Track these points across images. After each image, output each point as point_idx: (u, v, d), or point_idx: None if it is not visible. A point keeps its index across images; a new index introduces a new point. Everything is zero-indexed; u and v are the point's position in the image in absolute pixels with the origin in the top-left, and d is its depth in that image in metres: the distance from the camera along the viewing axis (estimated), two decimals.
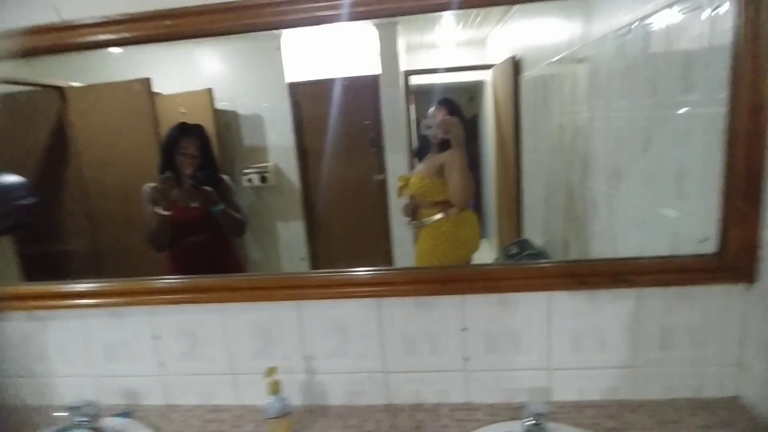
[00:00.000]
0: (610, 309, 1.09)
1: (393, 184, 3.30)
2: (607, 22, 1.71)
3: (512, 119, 2.91)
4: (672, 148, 1.33)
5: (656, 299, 1.08)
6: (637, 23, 1.50)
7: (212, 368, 1.23)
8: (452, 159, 1.47)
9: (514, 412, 1.12)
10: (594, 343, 1.12)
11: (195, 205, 1.88)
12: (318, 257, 3.50)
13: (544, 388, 1.15)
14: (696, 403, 1.10)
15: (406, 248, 3.37)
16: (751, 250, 1.02)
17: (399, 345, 1.16)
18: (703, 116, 1.18)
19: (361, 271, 1.14)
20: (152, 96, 2.56)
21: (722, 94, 1.02)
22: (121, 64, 2.72)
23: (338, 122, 3.33)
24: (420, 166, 1.67)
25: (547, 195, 2.45)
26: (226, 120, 3.18)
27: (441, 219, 1.65)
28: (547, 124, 2.39)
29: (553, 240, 2.33)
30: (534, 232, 2.65)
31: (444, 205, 1.56)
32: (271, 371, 0.98)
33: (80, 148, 2.50)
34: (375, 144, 3.34)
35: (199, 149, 2.01)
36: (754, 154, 0.98)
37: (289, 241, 3.44)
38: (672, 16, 1.25)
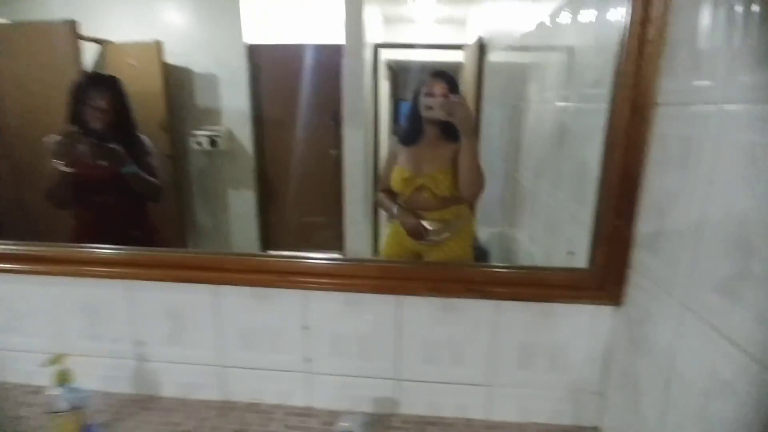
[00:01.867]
0: (467, 320, 0.98)
1: (349, 161, 3.16)
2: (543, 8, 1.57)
3: (474, 104, 2.75)
4: (580, 146, 1.20)
5: (516, 313, 0.96)
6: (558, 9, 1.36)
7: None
8: (464, 146, 1.21)
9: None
10: (448, 356, 1.00)
11: (103, 163, 1.73)
12: (270, 230, 3.38)
13: (392, 399, 1.04)
14: (552, 430, 0.99)
15: (360, 227, 3.25)
16: (620, 269, 0.90)
17: (236, 338, 1.05)
18: (604, 113, 1.04)
19: (197, 253, 1.02)
20: (77, 41, 2.38)
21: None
22: (68, 2, 2.53)
23: (297, 91, 3.15)
24: (407, 154, 1.34)
25: (497, 186, 2.32)
26: (179, 77, 2.99)
27: (463, 222, 1.38)
28: (501, 112, 2.24)
29: (498, 235, 2.21)
30: (486, 225, 2.51)
31: (452, 200, 1.30)
32: (58, 359, 0.87)
33: (2, 93, 2.35)
34: (334, 117, 3.18)
35: (110, 104, 1.84)
36: (631, 161, 0.85)
37: (240, 210, 3.30)
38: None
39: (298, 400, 1.07)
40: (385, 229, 1.53)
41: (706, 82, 0.68)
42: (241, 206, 3.23)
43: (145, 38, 2.79)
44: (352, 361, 1.03)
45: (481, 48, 2.75)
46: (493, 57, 2.50)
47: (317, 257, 0.98)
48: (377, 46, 3.34)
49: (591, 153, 1.11)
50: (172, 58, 2.88)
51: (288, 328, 1.02)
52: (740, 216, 0.60)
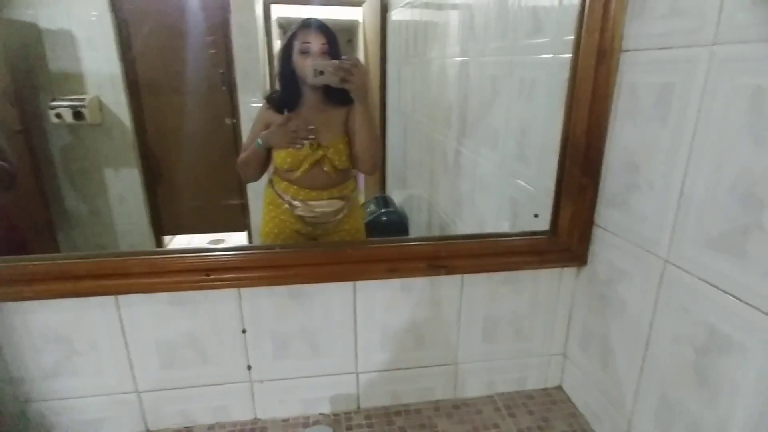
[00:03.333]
0: (428, 299, 0.88)
1: (247, 129, 2.84)
2: None
3: (378, 64, 2.59)
4: (517, 102, 1.13)
5: (479, 286, 0.89)
6: None
7: None
8: (360, 112, 1.03)
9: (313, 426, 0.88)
10: (409, 340, 0.90)
11: None
12: (161, 213, 2.96)
13: (351, 395, 0.92)
14: (519, 398, 0.96)
15: (261, 200, 2.98)
16: (585, 228, 0.85)
17: (153, 355, 0.84)
18: (548, 64, 0.97)
19: (85, 257, 0.77)
20: None
21: (570, 37, 0.81)
22: None
23: (179, 51, 2.70)
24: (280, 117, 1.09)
25: (410, 149, 2.23)
26: (22, 34, 2.40)
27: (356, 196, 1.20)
28: (413, 71, 2.13)
29: (415, 198, 2.14)
30: (397, 189, 2.44)
31: (348, 173, 1.13)
32: None
33: None
34: (225, 82, 2.80)
35: None
36: (597, 113, 0.79)
37: (123, 192, 2.83)
38: None
39: (240, 415, 0.90)
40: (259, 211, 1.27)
41: (690, 23, 0.62)
42: (124, 188, 2.77)
43: None
44: (301, 361, 0.88)
45: (383, 4, 2.58)
46: (398, 15, 2.36)
47: (249, 247, 0.80)
48: (268, 2, 2.99)
49: (531, 108, 1.05)
50: (7, 11, 2.29)
51: (219, 334, 0.84)
52: (742, 168, 0.55)
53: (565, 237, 0.86)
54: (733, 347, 0.58)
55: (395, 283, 0.85)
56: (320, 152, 1.08)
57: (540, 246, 0.87)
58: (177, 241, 3.24)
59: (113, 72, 2.56)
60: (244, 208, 3.00)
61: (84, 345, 0.80)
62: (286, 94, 1.09)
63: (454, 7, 1.63)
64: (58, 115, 2.48)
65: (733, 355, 0.58)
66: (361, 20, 2.78)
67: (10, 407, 0.82)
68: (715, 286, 0.60)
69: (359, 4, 2.77)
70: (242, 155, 1.14)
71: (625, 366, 0.79)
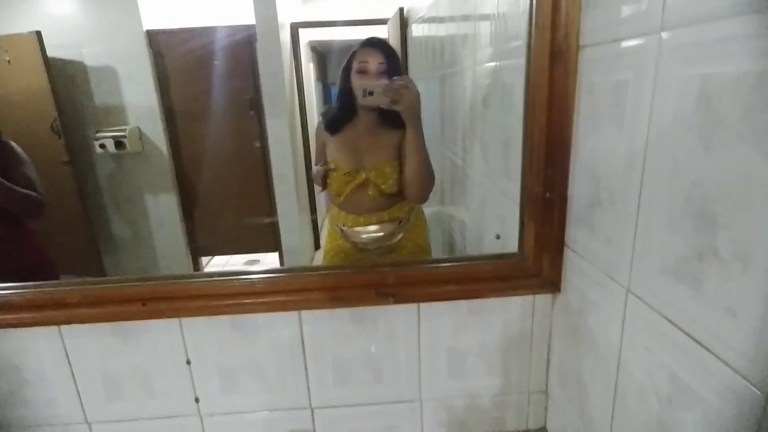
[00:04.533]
0: (381, 330, 0.80)
1: (275, 153, 2.89)
2: None
3: None
4: (501, 111, 1.04)
5: (439, 316, 0.80)
6: None
7: None
8: (410, 136, 0.98)
9: None
10: (364, 374, 0.83)
11: None
12: (198, 235, 3.07)
13: (307, 431, 0.86)
14: None
15: (295, 223, 3.01)
16: (555, 250, 0.75)
17: (99, 386, 0.82)
18: (522, 69, 0.88)
19: (23, 289, 0.77)
20: None
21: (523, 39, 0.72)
22: None
23: (209, 80, 2.83)
24: (339, 143, 1.08)
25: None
26: (70, 72, 2.60)
27: (415, 215, 1.16)
28: (427, 86, 2.08)
29: (435, 215, 2.07)
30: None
31: (399, 196, 1.08)
32: None
33: None
34: (254, 107, 2.89)
35: None
36: (557, 120, 0.69)
37: (162, 216, 2.98)
38: None
39: None
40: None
41: (638, 7, 0.52)
42: (163, 212, 2.91)
43: (21, 30, 2.40)
44: (251, 395, 0.83)
45: (403, 20, 2.56)
46: (416, 29, 2.32)
47: (185, 275, 0.76)
48: (295, 26, 3.06)
49: (511, 117, 0.96)
50: (57, 50, 2.49)
51: (164, 366, 0.81)
52: (694, 179, 0.45)
53: (532, 260, 0.76)
54: (694, 399, 0.47)
55: (344, 313, 0.79)
56: (363, 175, 1.04)
57: (504, 270, 0.77)
58: (214, 263, 3.34)
59: (151, 103, 2.72)
60: (275, 230, 3.05)
61: (32, 374, 0.80)
62: (340, 113, 1.07)
63: (452, 18, 1.57)
64: (102, 146, 2.66)
65: (693, 409, 0.47)
66: (387, 37, 2.78)
67: None
68: (675, 324, 0.49)
69: (384, 22, 2.77)
70: (314, 174, 1.17)
71: (598, 411, 0.67)
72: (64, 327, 0.78)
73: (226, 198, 3.09)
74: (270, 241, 3.09)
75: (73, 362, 0.80)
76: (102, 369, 0.81)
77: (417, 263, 0.79)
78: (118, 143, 2.67)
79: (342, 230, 1.09)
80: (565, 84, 0.68)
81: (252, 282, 0.76)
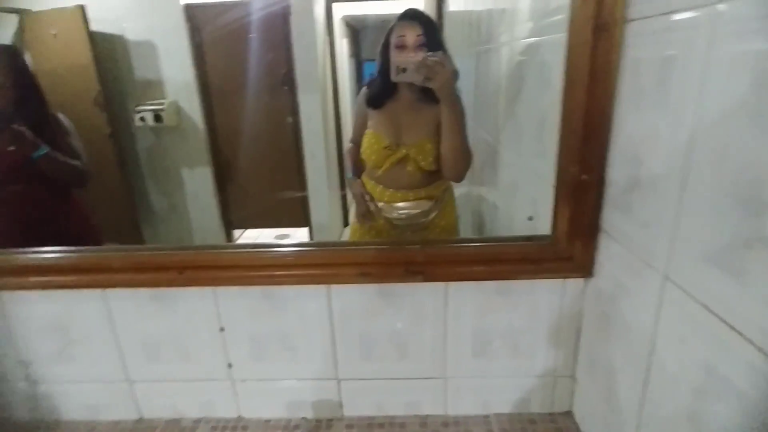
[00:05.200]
0: (408, 307, 0.81)
1: (307, 129, 2.90)
2: None
3: None
4: (537, 89, 1.01)
5: (466, 296, 0.80)
6: None
7: None
8: (445, 114, 0.96)
9: (293, 431, 0.86)
10: (391, 349, 0.84)
11: (11, 148, 1.47)
12: (231, 208, 3.15)
13: (334, 402, 0.89)
14: (518, 422, 0.86)
15: (325, 199, 3.04)
16: (589, 233, 0.73)
17: (139, 348, 0.87)
18: (563, 45, 0.85)
19: (69, 253, 0.82)
20: None
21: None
22: None
23: (244, 55, 2.84)
24: (380, 117, 1.07)
25: None
26: (111, 47, 2.67)
27: (449, 195, 1.16)
28: (464, 63, 2.03)
29: (466, 195, 2.05)
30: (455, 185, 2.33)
31: (437, 174, 1.06)
32: None
33: None
34: (287, 82, 2.89)
35: (9, 78, 1.55)
36: (597, 98, 0.66)
37: (197, 189, 3.06)
38: None
39: (224, 411, 0.90)
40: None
41: None
42: (198, 185, 2.99)
43: (65, 4, 2.46)
44: (280, 364, 0.86)
45: None
46: (453, 3, 2.25)
47: (220, 246, 0.79)
48: (330, 1, 3.02)
49: (548, 95, 0.93)
50: (100, 24, 2.55)
51: (199, 332, 0.85)
52: (744, 163, 0.42)
53: (565, 243, 0.74)
54: (730, 391, 0.45)
55: (372, 288, 0.80)
56: (403, 151, 1.04)
57: (534, 253, 0.76)
58: (246, 236, 3.42)
59: (188, 77, 2.76)
60: (305, 205, 3.09)
61: (79, 334, 0.86)
62: (382, 89, 1.06)
63: None
64: (142, 119, 2.73)
65: (728, 401, 0.45)
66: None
67: (22, 386, 0.90)
68: (715, 314, 0.47)
69: None
70: (347, 151, 1.18)
71: (627, 399, 0.66)
72: (107, 290, 0.82)
73: (259, 173, 3.13)
74: (300, 217, 3.13)
75: (115, 324, 0.85)
76: (142, 332, 0.85)
77: (447, 242, 0.79)
78: (157, 117, 2.73)
79: (377, 206, 1.09)
80: (607, 60, 0.65)
81: (284, 255, 0.78)
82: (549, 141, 0.93)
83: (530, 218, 0.87)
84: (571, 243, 0.74)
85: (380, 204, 1.09)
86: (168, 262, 0.79)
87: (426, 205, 1.08)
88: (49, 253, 0.81)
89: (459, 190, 2.17)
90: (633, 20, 0.61)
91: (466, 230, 1.90)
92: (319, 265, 0.78)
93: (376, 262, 0.77)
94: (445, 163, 1.00)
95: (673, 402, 0.54)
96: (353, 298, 0.80)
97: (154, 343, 0.86)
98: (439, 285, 0.79)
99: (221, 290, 0.81)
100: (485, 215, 1.56)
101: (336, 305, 0.81)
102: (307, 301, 0.81)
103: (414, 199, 1.07)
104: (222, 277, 0.79)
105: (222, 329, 0.84)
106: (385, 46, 1.01)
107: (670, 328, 0.55)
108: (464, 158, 1.00)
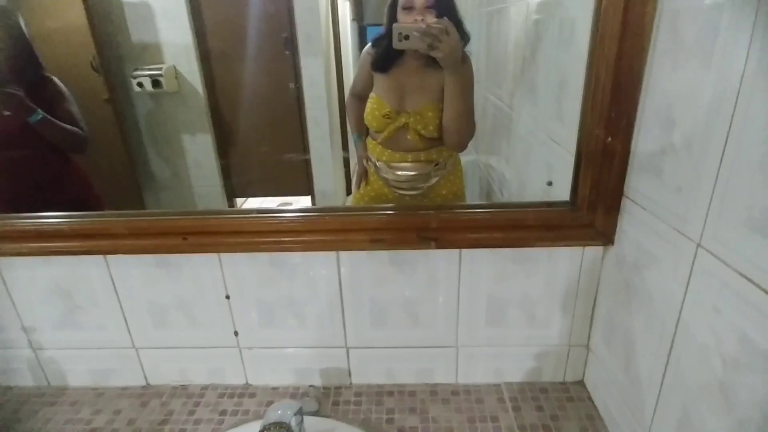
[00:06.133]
0: (421, 275, 0.79)
1: (310, 95, 2.83)
2: None
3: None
4: (556, 49, 0.96)
5: (480, 263, 0.77)
6: None
7: None
8: (450, 83, 0.92)
9: (300, 398, 0.86)
10: (402, 317, 0.83)
11: (6, 113, 1.42)
12: (233, 175, 3.10)
13: (342, 370, 0.88)
14: (530, 391, 0.85)
15: (329, 167, 3.00)
16: (612, 200, 0.70)
17: (145, 314, 0.85)
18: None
19: (72, 218, 0.79)
20: None
21: None
22: None
23: (244, 17, 2.73)
24: (384, 81, 1.02)
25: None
26: (106, 7, 2.57)
27: (453, 160, 1.11)
28: (473, 24, 1.94)
29: (471, 163, 2.00)
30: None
31: (440, 139, 1.02)
32: None
33: None
34: (289, 46, 2.79)
35: (2, 39, 1.49)
36: (628, 54, 0.62)
37: (198, 156, 3.00)
38: None
39: (232, 379, 0.90)
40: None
41: None
42: (199, 152, 2.92)
43: None
44: (288, 332, 0.85)
45: None
46: None
47: (224, 211, 0.76)
48: None
49: (570, 55, 0.87)
50: None
51: (205, 298, 0.83)
52: None
53: (586, 210, 0.71)
54: (763, 365, 0.43)
55: (383, 255, 0.77)
56: (402, 119, 1.00)
57: (554, 219, 0.73)
58: (249, 204, 3.40)
59: (186, 42, 2.66)
60: (307, 173, 3.04)
61: (83, 300, 0.84)
62: (386, 53, 1.00)
63: None
64: (140, 84, 2.65)
65: (765, 375, 0.43)
66: None
67: (26, 353, 0.88)
68: (755, 283, 0.44)
69: None
70: (348, 106, 1.15)
71: (647, 369, 0.64)
72: (110, 257, 0.80)
73: (260, 140, 3.07)
74: (303, 185, 3.08)
75: (119, 290, 0.83)
76: (147, 298, 0.83)
77: (462, 207, 0.76)
78: (155, 82, 2.65)
79: (377, 165, 1.06)
80: (642, 11, 0.60)
81: (291, 220, 0.75)
82: (569, 103, 0.88)
83: (549, 183, 0.84)
84: (593, 209, 0.71)
85: (379, 163, 1.06)
86: (171, 228, 0.76)
87: (426, 168, 1.04)
88: (49, 218, 0.78)
89: (466, 158, 2.12)
90: None
91: (473, 198, 1.86)
92: (328, 231, 0.75)
93: (387, 228, 0.74)
94: (447, 131, 0.96)
95: (701, 372, 0.52)
96: (363, 265, 0.78)
97: (159, 310, 0.84)
98: (453, 252, 0.76)
99: (227, 257, 0.79)
100: (494, 183, 1.53)
101: (345, 272, 0.79)
102: (315, 268, 0.79)
103: (412, 161, 1.04)
104: (227, 243, 0.76)
105: (228, 296, 0.82)
106: (392, 6, 0.95)
107: (701, 297, 0.52)
108: (467, 127, 0.96)
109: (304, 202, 3.23)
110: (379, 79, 1.02)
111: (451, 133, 0.97)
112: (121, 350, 0.88)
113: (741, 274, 0.46)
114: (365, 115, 1.05)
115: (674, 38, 0.56)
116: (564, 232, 0.73)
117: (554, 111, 0.97)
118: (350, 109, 1.14)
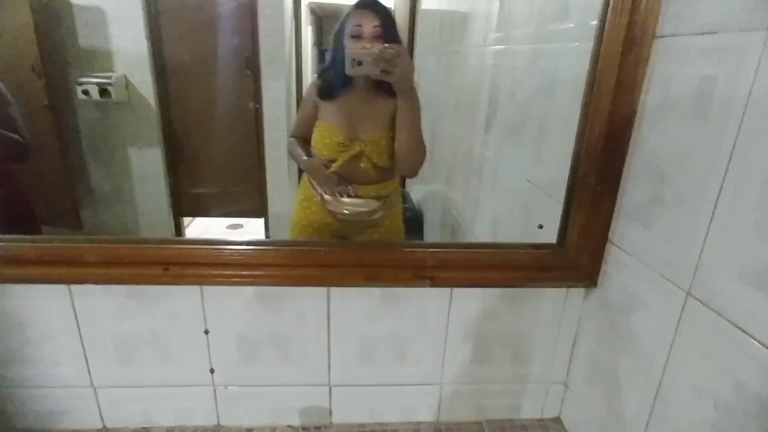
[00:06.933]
0: (412, 312, 0.78)
1: (270, 116, 2.78)
2: None
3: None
4: (537, 95, 1.01)
5: (471, 301, 0.78)
6: None
7: None
8: (403, 109, 0.90)
9: None
10: (388, 354, 0.81)
11: None
12: (181, 194, 2.95)
13: (322, 408, 0.84)
14: (510, 428, 0.85)
15: (285, 190, 2.93)
16: (598, 244, 0.73)
17: (111, 350, 0.78)
18: (573, 53, 0.85)
19: (37, 242, 0.71)
20: None
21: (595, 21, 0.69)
22: None
23: (206, 33, 2.66)
24: (334, 108, 1.00)
25: (435, 144, 2.12)
26: (53, 9, 2.41)
27: (396, 196, 1.10)
28: (440, 62, 2.02)
29: (432, 195, 2.04)
30: (417, 185, 2.33)
31: (390, 172, 1.01)
32: None
33: None
34: (251, 66, 2.74)
35: None
36: (621, 110, 0.66)
37: (145, 172, 2.83)
38: None
39: (203, 419, 0.83)
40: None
41: (742, 2, 0.49)
42: (146, 167, 2.76)
43: None
44: (270, 368, 0.81)
45: None
46: (428, 3, 2.23)
47: (215, 241, 0.72)
48: None
49: (553, 102, 0.93)
50: None
51: (181, 333, 0.77)
52: None
53: (574, 253, 0.74)
54: (764, 411, 0.46)
55: (375, 291, 0.76)
56: (357, 147, 0.97)
57: (544, 261, 0.76)
58: (196, 224, 3.24)
59: (141, 51, 2.54)
60: (262, 195, 2.96)
61: (36, 334, 0.75)
62: (335, 79, 0.97)
63: None
64: (85, 92, 2.48)
65: (762, 420, 0.46)
66: (393, 7, 2.67)
67: None
68: (747, 332, 0.48)
69: None
70: (291, 147, 1.08)
71: (632, 409, 0.67)
72: (74, 286, 0.73)
73: (215, 158, 2.96)
74: (257, 207, 3.00)
75: (81, 323, 0.75)
76: (114, 332, 0.76)
77: (457, 246, 0.77)
78: (103, 91, 2.51)
79: (323, 197, 1.03)
80: (635, 72, 0.65)
81: (284, 253, 0.73)
82: (550, 148, 0.93)
83: (540, 226, 0.87)
84: (580, 253, 0.74)
85: (327, 197, 1.03)
86: (153, 257, 0.71)
87: (373, 204, 1.03)
88: (8, 241, 0.70)
89: (428, 187, 2.16)
90: (663, 36, 0.62)
91: (434, 230, 1.90)
92: (321, 266, 0.73)
93: (383, 265, 0.73)
94: (401, 158, 0.96)
95: (692, 413, 0.55)
96: (354, 300, 0.76)
97: (127, 345, 0.77)
98: (445, 290, 0.77)
99: (210, 289, 0.74)
100: (461, 219, 1.56)
101: (335, 307, 0.77)
102: (305, 302, 0.76)
103: (363, 197, 1.02)
104: (211, 275, 0.72)
105: (207, 331, 0.77)
106: (339, 35, 0.95)
107: (690, 343, 0.56)
108: (421, 153, 0.97)
109: (257, 224, 3.13)
110: (328, 107, 1.00)
111: (405, 160, 0.96)
112: (76, 389, 0.79)
113: (733, 324, 0.50)
114: (314, 144, 1.01)
115: (666, 98, 0.61)
116: (552, 273, 0.76)
117: (533, 154, 1.02)
118: (294, 149, 1.08)
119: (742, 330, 0.49)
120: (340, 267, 0.73)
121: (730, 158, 0.50)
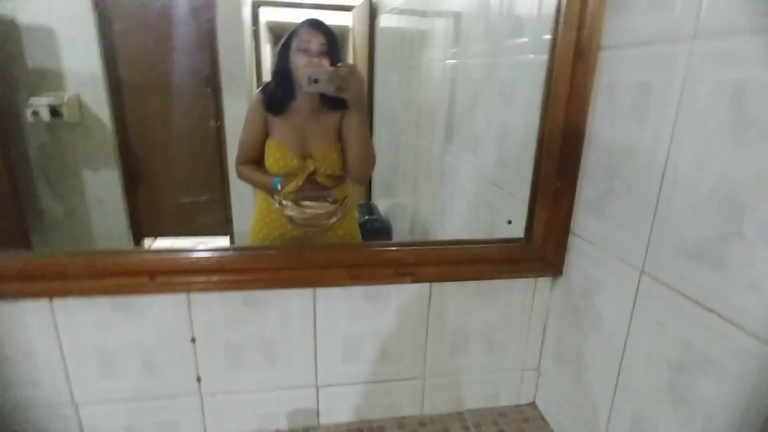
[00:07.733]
0: (394, 309, 0.82)
1: (232, 132, 2.76)
2: None
3: (366, 70, 2.54)
4: (498, 105, 1.09)
5: (449, 296, 0.83)
6: None
7: None
8: (355, 121, 0.97)
9: None
10: (372, 352, 0.85)
11: None
12: (141, 215, 2.86)
13: (310, 410, 0.86)
14: (489, 416, 0.90)
15: (249, 207, 2.90)
16: (561, 236, 0.81)
17: (93, 364, 0.77)
18: (528, 65, 0.93)
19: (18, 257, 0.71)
20: None
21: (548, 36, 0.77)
22: None
23: (163, 51, 2.62)
24: (282, 126, 1.03)
25: (397, 155, 2.19)
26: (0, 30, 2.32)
27: (350, 201, 1.14)
28: (400, 77, 2.10)
29: (399, 205, 2.09)
30: (383, 196, 2.38)
31: (340, 179, 1.06)
32: None
33: None
34: (211, 84, 2.72)
35: None
36: (574, 114, 0.74)
37: (101, 194, 2.73)
38: None
39: (189, 430, 0.83)
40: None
41: (670, 17, 0.58)
42: (102, 189, 2.67)
43: None
44: (256, 373, 0.82)
45: (372, 9, 2.54)
46: (385, 21, 2.32)
47: (201, 249, 0.74)
48: (256, 3, 2.94)
49: (513, 110, 1.01)
50: None
51: (167, 342, 0.78)
52: (722, 172, 0.51)
53: (540, 245, 0.81)
54: (709, 365, 0.53)
55: (358, 290, 0.80)
56: (311, 165, 1.01)
57: (514, 254, 0.82)
58: (158, 245, 3.14)
59: (94, 70, 2.48)
60: (226, 213, 2.92)
61: (14, 350, 0.74)
62: (280, 94, 1.02)
63: (439, 12, 1.60)
64: (35, 113, 2.40)
65: (709, 373, 0.53)
66: (351, 26, 2.75)
67: None
68: (692, 299, 0.56)
69: (349, 9, 2.74)
70: (246, 174, 1.08)
71: (599, 384, 0.74)
72: (56, 300, 0.72)
73: (176, 178, 2.91)
74: (221, 225, 2.96)
75: (63, 338, 0.74)
76: (97, 345, 0.76)
77: (434, 244, 0.82)
78: (54, 111, 2.43)
79: (281, 203, 1.06)
80: (584, 81, 0.73)
81: (270, 256, 0.75)
82: (511, 152, 1.01)
83: (509, 222, 0.94)
84: (545, 245, 0.81)
85: (285, 202, 1.07)
86: (137, 266, 0.72)
87: (330, 207, 1.09)
88: None
89: (392, 200, 2.22)
90: (606, 48, 0.70)
91: (404, 239, 1.95)
92: (306, 267, 0.76)
93: (365, 264, 0.77)
94: (354, 167, 1.02)
95: (651, 379, 0.62)
96: (339, 300, 0.80)
97: (110, 358, 0.77)
98: (424, 285, 0.81)
99: (197, 296, 0.75)
100: (429, 222, 1.62)
101: (321, 308, 0.80)
102: (290, 304, 0.79)
103: (321, 200, 1.07)
104: (198, 281, 0.73)
105: (194, 339, 0.78)
106: (285, 50, 1.00)
107: (646, 315, 0.63)
108: (371, 160, 1.05)
109: (221, 242, 3.08)
110: (276, 124, 1.03)
111: (357, 168, 1.03)
112: (55, 407, 0.78)
113: (680, 293, 0.57)
114: (269, 165, 1.03)
115: (612, 103, 0.69)
116: (521, 265, 0.83)
117: (496, 159, 1.10)
118: (252, 174, 1.08)
119: (689, 297, 0.56)
120: (325, 268, 0.77)
121: (668, 151, 0.58)
